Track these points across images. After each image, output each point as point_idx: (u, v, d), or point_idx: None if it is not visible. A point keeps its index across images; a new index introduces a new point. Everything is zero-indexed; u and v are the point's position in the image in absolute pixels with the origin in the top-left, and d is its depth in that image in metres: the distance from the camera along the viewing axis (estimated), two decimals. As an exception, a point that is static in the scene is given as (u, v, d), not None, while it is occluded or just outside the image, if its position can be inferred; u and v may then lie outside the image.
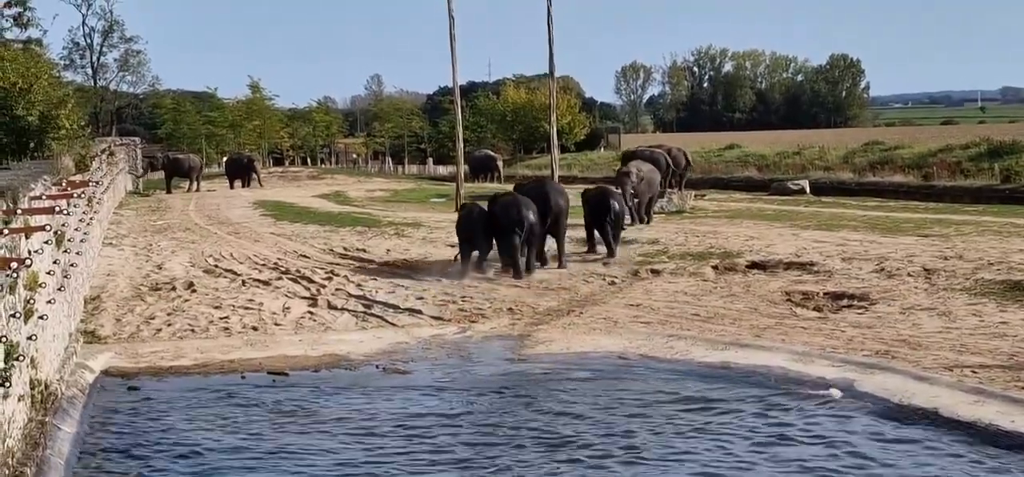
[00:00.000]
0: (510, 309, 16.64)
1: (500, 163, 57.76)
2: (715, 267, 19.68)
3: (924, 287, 16.88)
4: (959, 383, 11.26)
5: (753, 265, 19.74)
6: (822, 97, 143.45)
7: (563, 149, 65.12)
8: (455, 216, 22.18)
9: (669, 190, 31.98)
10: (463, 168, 32.67)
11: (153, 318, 16.31)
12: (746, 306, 16.02)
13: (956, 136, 52.07)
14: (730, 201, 35.55)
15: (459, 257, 19.93)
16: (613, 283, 18.78)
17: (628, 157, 32.62)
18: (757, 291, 17.16)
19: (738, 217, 28.50)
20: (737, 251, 21.36)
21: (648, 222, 26.66)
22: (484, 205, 20.32)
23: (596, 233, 21.94)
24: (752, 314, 15.43)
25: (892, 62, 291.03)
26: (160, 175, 51.31)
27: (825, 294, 16.72)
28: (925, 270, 18.19)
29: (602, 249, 21.54)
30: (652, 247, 22.63)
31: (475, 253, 19.79)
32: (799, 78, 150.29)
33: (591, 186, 24.86)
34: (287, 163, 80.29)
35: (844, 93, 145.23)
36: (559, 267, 20.08)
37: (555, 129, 32.49)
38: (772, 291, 17.16)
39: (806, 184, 39.63)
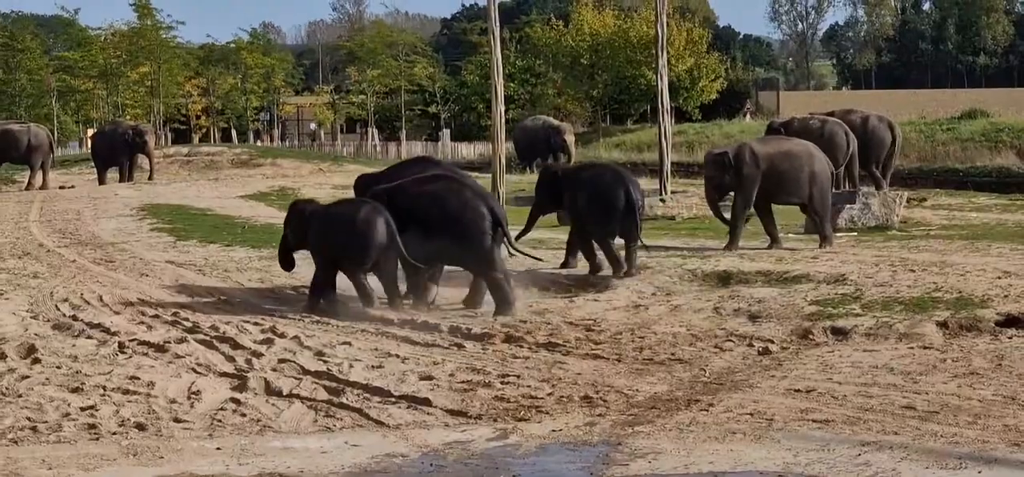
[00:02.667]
0: (586, 397, 13.55)
1: (569, 139, 45.38)
2: (943, 325, 16.51)
3: None
4: None
5: (1010, 321, 16.63)
6: None
7: (680, 115, 56.70)
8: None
9: (864, 190, 27.90)
10: (505, 147, 27.75)
11: (-33, 409, 13.99)
12: (996, 393, 13.30)
13: None
14: (969, 207, 31.85)
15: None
16: (766, 351, 15.70)
17: (779, 131, 28.47)
18: (1017, 367, 14.43)
19: (983, 238, 25.07)
20: (981, 297, 18.19)
21: (825, 244, 22.82)
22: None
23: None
24: (1008, 406, 12.70)
25: None
26: None
27: None
28: None
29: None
30: (833, 288, 19.36)
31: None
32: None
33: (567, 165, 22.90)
34: (197, 139, 69.34)
35: None
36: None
37: (665, 81, 28.38)
38: (1043, 366, 15.08)
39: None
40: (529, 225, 21.29)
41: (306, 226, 18.60)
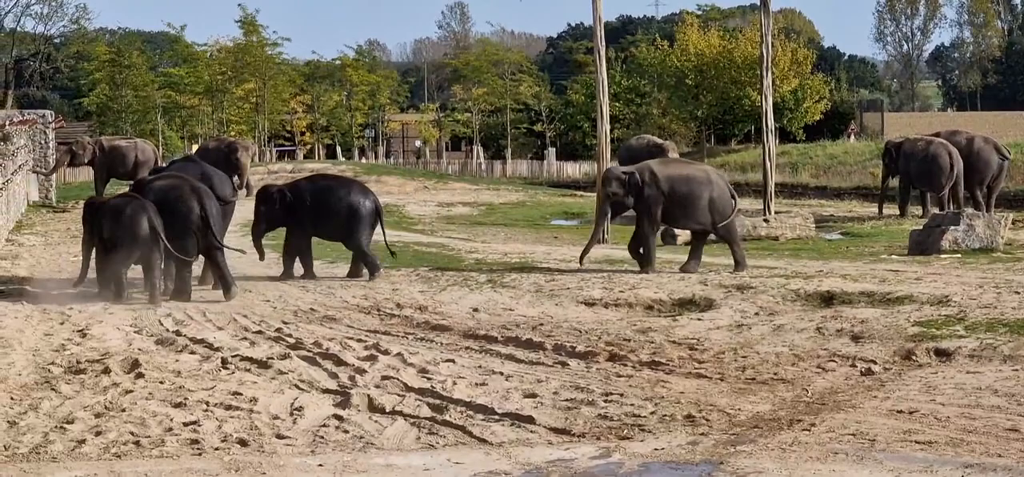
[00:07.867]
0: (689, 416, 13.39)
1: (673, 157, 45.47)
2: (1048, 347, 16.65)
3: None
4: None
5: (1117, 343, 16.66)
6: None
7: (784, 136, 54.90)
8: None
9: (969, 212, 27.04)
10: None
11: (71, 422, 13.14)
12: (1104, 416, 13.43)
13: None
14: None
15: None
16: (869, 371, 15.35)
17: (891, 151, 26.98)
18: (1125, 390, 14.56)
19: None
20: (1088, 318, 18.16)
21: (738, 268, 22.36)
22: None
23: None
24: (1116, 430, 12.83)
25: None
26: (87, 175, 42.99)
27: None
28: None
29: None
30: (937, 310, 18.96)
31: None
32: None
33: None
34: (301, 154, 66.94)
35: None
36: None
37: (770, 102, 27.67)
38: None
39: None
40: (255, 238, 22.80)
41: (91, 220, 19.90)
